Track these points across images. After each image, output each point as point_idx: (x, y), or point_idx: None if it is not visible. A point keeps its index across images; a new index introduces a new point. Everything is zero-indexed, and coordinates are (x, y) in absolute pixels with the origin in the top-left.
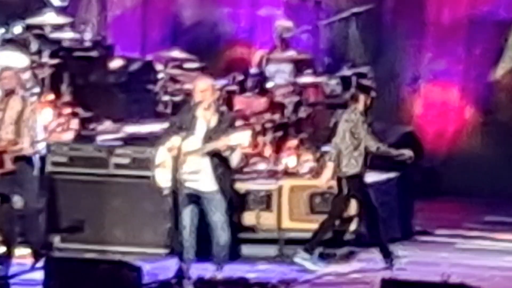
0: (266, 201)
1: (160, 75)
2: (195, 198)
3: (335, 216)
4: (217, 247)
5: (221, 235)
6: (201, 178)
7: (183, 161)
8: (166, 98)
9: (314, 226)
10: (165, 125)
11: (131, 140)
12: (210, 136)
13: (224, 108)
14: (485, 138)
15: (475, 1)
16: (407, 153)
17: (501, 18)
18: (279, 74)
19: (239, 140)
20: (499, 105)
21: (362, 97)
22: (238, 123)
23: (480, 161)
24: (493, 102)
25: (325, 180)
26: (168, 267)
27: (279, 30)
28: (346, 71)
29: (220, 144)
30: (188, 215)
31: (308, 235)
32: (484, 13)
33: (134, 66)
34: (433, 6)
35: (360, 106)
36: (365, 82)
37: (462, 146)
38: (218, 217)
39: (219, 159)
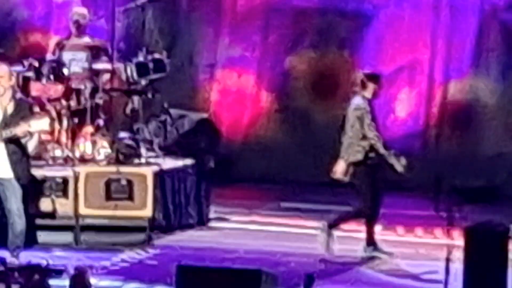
0: (62, 188)
1: None
2: None
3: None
4: (13, 233)
5: (17, 221)
6: None
7: None
8: None
9: (111, 212)
10: None
11: None
12: (6, 123)
13: (20, 95)
14: (281, 125)
15: None
16: (400, 163)
17: (296, 4)
18: (75, 61)
19: (39, 126)
20: (294, 92)
21: (371, 85)
22: (35, 109)
23: (276, 148)
24: (289, 89)
25: (339, 173)
26: None
27: (75, 17)
28: (142, 58)
29: (19, 130)
30: None
31: (105, 221)
32: (280, 1)
33: None
34: None
35: (368, 93)
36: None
37: (258, 133)
38: (14, 204)
39: (15, 146)
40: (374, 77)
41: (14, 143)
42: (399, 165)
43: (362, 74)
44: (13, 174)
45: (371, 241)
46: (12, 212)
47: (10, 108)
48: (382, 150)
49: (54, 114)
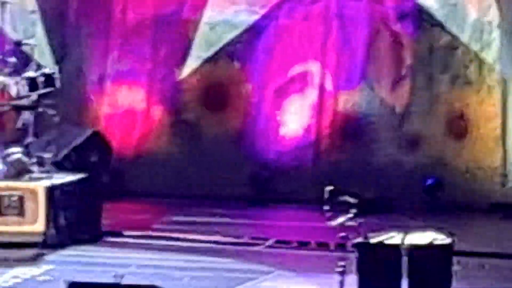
0: None
1: None
2: None
3: None
4: None
5: None
6: None
7: None
8: None
9: (1, 228)
10: None
11: None
12: None
13: None
14: (172, 138)
15: (160, 0)
16: None
17: (185, 17)
18: None
19: None
20: (185, 105)
21: None
22: None
23: (167, 162)
24: (180, 102)
25: None
26: None
27: None
28: (32, 72)
29: None
30: None
31: None
32: (169, 12)
33: None
34: (119, 5)
35: None
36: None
37: (149, 147)
38: None
39: None
40: None
41: None
42: None
43: None
44: None
45: None
46: None
47: None
48: None
49: None
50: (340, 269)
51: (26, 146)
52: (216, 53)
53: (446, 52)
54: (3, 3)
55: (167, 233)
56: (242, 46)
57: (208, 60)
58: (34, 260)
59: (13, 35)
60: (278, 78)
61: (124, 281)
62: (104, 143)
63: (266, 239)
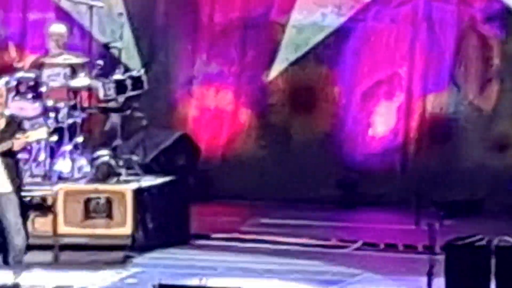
0: (41, 207)
1: None
2: None
3: None
4: (13, 251)
5: (16, 237)
6: None
7: None
8: None
9: (89, 231)
10: None
11: None
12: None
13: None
14: (260, 141)
15: (248, 3)
16: None
17: (273, 20)
18: (54, 78)
19: (37, 136)
20: (272, 108)
21: None
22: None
23: (254, 164)
24: (267, 105)
25: None
26: None
27: (51, 34)
28: (120, 75)
29: (16, 143)
30: None
31: (83, 240)
32: (256, 15)
33: None
34: (206, 8)
35: None
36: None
37: (236, 149)
38: (12, 219)
39: (11, 159)
40: None
41: (10, 156)
42: None
43: None
44: (12, 188)
45: None
46: (12, 228)
47: (1, 124)
48: None
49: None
50: (428, 272)
51: (114, 149)
52: (304, 56)
53: None
54: (91, 6)
55: (254, 236)
56: (330, 49)
57: (295, 63)
58: (122, 262)
59: (101, 38)
60: (366, 80)
61: (211, 284)
62: (192, 145)
63: (354, 242)
